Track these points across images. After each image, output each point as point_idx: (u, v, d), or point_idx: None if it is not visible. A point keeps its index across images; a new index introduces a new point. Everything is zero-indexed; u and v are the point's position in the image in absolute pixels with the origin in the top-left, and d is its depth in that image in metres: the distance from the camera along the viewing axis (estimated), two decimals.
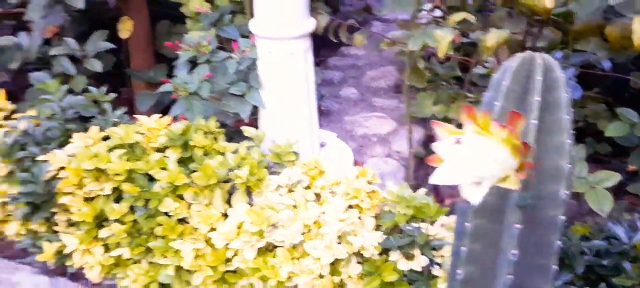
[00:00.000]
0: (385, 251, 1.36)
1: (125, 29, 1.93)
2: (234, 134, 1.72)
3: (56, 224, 1.72)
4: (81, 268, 1.70)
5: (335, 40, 1.93)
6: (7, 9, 1.93)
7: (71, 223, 1.69)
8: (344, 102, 2.31)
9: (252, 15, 1.66)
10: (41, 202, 1.65)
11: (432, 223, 1.38)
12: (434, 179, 0.50)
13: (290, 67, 1.48)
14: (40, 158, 1.60)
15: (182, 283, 1.53)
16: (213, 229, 1.46)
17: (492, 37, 1.30)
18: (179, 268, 1.51)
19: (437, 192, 1.72)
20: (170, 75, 2.20)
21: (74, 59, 1.96)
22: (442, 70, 2.06)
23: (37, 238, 1.75)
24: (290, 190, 1.45)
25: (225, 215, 1.48)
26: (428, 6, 1.89)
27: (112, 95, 1.69)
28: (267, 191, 1.45)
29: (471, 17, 1.36)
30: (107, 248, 1.62)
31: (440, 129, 0.50)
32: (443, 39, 1.26)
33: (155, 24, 2.30)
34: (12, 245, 1.90)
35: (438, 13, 1.92)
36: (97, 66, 1.85)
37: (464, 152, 0.48)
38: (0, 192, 1.76)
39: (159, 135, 1.62)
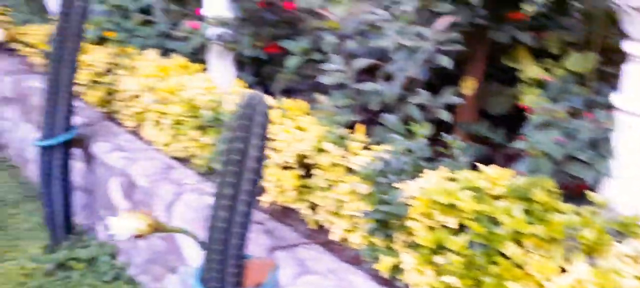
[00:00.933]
0: None
1: (469, 87, 2.21)
2: (566, 196, 1.82)
3: (394, 242, 2.05)
4: (408, 285, 1.99)
5: None
6: (374, 61, 2.38)
7: (408, 244, 1.99)
8: None
9: (594, 88, 1.75)
10: (389, 222, 2.00)
11: None
12: None
13: None
14: (396, 185, 1.95)
15: None
16: (548, 280, 1.58)
17: None
18: None
19: None
20: (491, 131, 2.43)
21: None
22: None
23: (374, 250, 2.11)
24: (635, 261, 1.49)
25: (562, 270, 1.58)
26: None
27: (462, 144, 1.96)
28: (610, 257, 1.52)
29: None
30: (438, 273, 1.87)
31: None
32: None
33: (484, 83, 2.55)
34: (346, 251, 2.32)
35: None
36: (445, 116, 2.16)
37: None
38: (354, 207, 2.18)
39: (497, 185, 1.83)
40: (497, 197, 1.81)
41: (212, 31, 2.80)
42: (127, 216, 1.68)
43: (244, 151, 1.89)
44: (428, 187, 1.86)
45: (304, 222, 2.47)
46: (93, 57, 3.43)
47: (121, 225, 1.65)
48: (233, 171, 1.90)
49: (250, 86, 2.87)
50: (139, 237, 1.72)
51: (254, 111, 1.87)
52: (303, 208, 2.41)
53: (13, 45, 4.45)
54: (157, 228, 1.75)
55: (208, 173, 2.83)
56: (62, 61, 2.92)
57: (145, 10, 3.69)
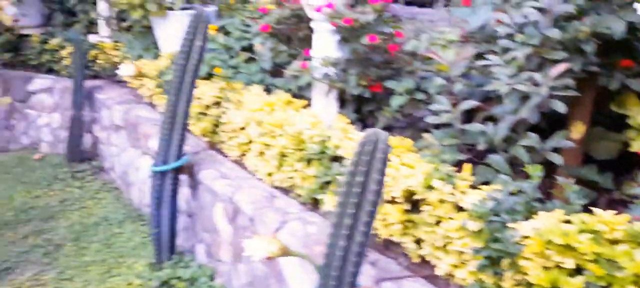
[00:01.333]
0: None
1: (578, 131, 2.26)
2: None
3: (504, 280, 2.10)
4: None
5: None
6: (480, 104, 2.47)
7: (519, 283, 2.04)
8: None
9: None
10: (500, 260, 2.06)
11: None
12: None
13: None
14: (510, 225, 2.02)
15: None
16: None
17: None
18: None
19: None
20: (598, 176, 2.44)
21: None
22: None
23: (482, 286, 2.17)
24: None
25: None
26: None
27: (576, 187, 2.01)
28: None
29: None
30: None
31: None
32: None
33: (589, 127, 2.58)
34: (451, 286, 2.38)
35: None
36: (557, 160, 2.21)
37: None
38: (462, 244, 2.26)
39: (614, 229, 1.86)
40: (614, 241, 1.85)
41: (320, 70, 2.99)
42: (261, 239, 1.84)
43: (364, 184, 2.02)
44: (542, 227, 1.92)
45: (405, 255, 2.56)
46: (201, 91, 3.70)
47: (256, 247, 1.81)
48: (353, 202, 2.03)
49: (352, 122, 3.02)
50: (269, 258, 1.87)
51: (375, 147, 2.01)
52: (408, 242, 2.50)
53: (122, 77, 4.84)
54: (285, 252, 1.89)
55: (310, 203, 2.98)
56: (180, 95, 3.19)
57: (248, 49, 3.96)
